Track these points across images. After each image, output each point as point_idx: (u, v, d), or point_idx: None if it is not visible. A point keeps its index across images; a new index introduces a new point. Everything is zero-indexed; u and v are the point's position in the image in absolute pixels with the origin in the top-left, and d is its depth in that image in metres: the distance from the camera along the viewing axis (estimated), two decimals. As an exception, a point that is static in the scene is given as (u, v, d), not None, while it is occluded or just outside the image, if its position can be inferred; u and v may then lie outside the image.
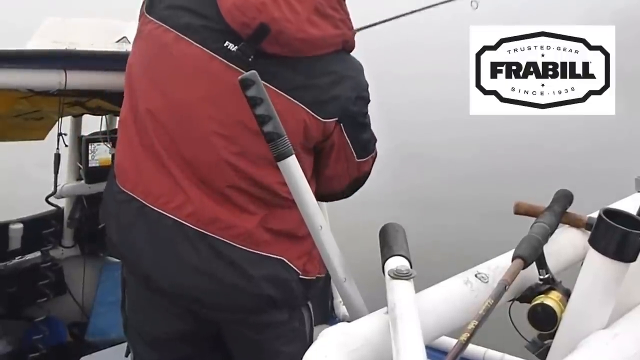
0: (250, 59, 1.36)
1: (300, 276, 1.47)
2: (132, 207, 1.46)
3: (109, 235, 1.54)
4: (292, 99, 1.38)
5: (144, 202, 1.44)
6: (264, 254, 1.43)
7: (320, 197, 1.60)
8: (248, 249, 1.42)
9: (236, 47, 1.37)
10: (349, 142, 1.51)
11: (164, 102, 1.43)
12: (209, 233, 1.41)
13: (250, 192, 1.41)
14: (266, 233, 1.42)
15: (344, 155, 1.53)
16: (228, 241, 1.41)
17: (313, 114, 1.41)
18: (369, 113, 1.56)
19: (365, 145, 1.57)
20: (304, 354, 0.75)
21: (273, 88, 1.36)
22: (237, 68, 1.37)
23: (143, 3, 1.56)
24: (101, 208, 1.59)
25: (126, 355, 1.72)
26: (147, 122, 1.44)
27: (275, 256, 1.44)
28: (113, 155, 2.71)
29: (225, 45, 1.38)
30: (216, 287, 1.42)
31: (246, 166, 1.39)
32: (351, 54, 1.54)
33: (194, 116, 1.40)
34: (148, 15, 1.49)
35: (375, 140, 1.61)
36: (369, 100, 1.54)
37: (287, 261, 1.44)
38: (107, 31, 2.35)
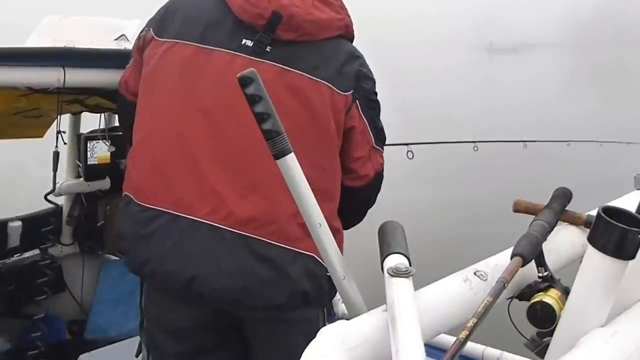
0: (268, 49, 1.49)
1: (328, 273, 1.47)
2: (162, 221, 1.49)
3: (131, 257, 1.54)
4: (314, 77, 1.51)
5: (175, 212, 1.47)
6: (298, 250, 1.47)
7: (350, 210, 1.63)
8: (284, 246, 1.46)
9: (252, 41, 1.50)
10: (367, 124, 1.60)
11: (202, 106, 1.49)
12: (246, 233, 1.45)
13: None
14: (298, 229, 1.45)
15: (365, 139, 1.60)
16: (264, 239, 1.45)
17: (333, 87, 1.52)
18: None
19: (380, 132, 1.65)
20: None
21: (295, 71, 1.50)
22: (258, 60, 1.48)
23: (144, 31, 1.64)
24: (119, 238, 1.60)
25: (137, 355, 1.70)
26: (184, 130, 1.49)
27: (307, 252, 1.47)
28: (112, 154, 2.77)
29: (242, 43, 1.51)
30: (255, 286, 1.45)
31: None
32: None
33: (237, 112, 1.43)
34: (159, 38, 1.58)
35: (385, 137, 1.68)
36: (375, 83, 1.63)
37: (317, 257, 1.45)
38: (105, 29, 2.35)
